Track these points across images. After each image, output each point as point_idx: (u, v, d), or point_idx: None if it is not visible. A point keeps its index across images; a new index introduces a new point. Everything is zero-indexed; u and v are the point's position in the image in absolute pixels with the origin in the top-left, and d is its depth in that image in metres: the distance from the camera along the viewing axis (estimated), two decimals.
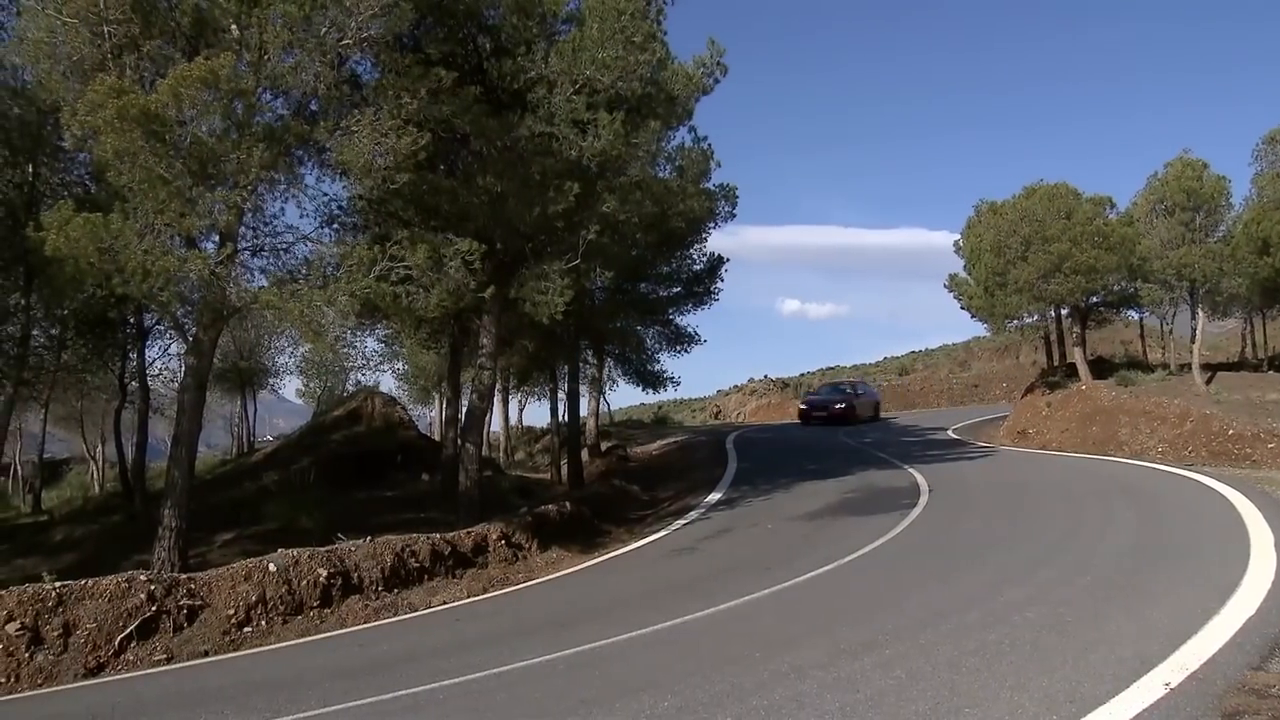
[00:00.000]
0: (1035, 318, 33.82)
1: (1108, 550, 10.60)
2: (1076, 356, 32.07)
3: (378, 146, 11.53)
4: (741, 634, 8.40)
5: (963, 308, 32.89)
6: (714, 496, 19.21)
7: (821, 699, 6.05)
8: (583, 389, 29.82)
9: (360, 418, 27.22)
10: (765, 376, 62.94)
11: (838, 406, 39.60)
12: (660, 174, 22.48)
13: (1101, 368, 32.76)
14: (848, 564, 11.20)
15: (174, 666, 9.33)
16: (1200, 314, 29.85)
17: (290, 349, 38.62)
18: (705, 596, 9.84)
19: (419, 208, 14.46)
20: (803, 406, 41.63)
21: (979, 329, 43.87)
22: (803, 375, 70.31)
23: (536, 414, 56.59)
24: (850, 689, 6.19)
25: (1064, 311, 33.27)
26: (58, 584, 9.71)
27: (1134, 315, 37.61)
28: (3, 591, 9.48)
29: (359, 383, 39.12)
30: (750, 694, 6.28)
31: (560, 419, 29.61)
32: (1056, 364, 35.96)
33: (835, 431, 34.16)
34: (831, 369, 74.50)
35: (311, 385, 43.97)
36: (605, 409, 41.32)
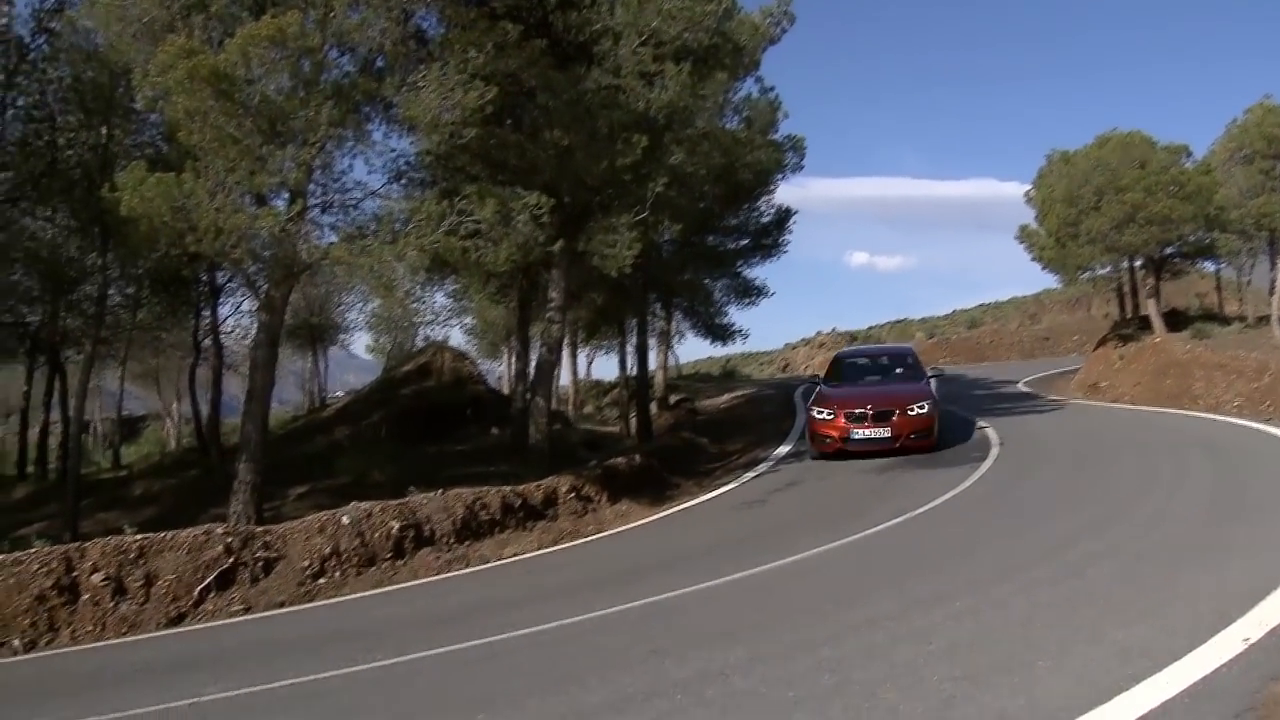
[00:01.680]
0: (1108, 269, 33.28)
1: (1183, 505, 10.41)
2: (1150, 309, 31.52)
3: (445, 101, 11.53)
4: (812, 586, 8.41)
5: (1033, 259, 32.45)
6: (783, 449, 19.15)
7: (893, 650, 6.03)
8: (651, 342, 29.82)
9: (430, 372, 27.45)
10: (833, 329, 62.78)
11: (918, 410, 16.41)
12: (728, 125, 22.39)
13: (1176, 320, 32.11)
14: (918, 516, 11.11)
15: (251, 617, 9.52)
16: None
17: (360, 304, 39.18)
18: (775, 548, 9.83)
19: (486, 162, 14.47)
20: (834, 419, 16.63)
21: (1049, 281, 42.93)
22: (870, 329, 69.87)
23: (605, 367, 56.76)
24: (922, 641, 6.16)
25: (1137, 263, 32.68)
26: (139, 536, 9.94)
27: (1210, 267, 36.89)
28: (87, 544, 9.73)
29: (428, 338, 39.45)
30: (821, 645, 6.27)
31: (629, 372, 29.70)
32: (1129, 316, 35.33)
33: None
34: (900, 321, 73.96)
35: (381, 340, 44.39)
36: (673, 362, 41.37)
